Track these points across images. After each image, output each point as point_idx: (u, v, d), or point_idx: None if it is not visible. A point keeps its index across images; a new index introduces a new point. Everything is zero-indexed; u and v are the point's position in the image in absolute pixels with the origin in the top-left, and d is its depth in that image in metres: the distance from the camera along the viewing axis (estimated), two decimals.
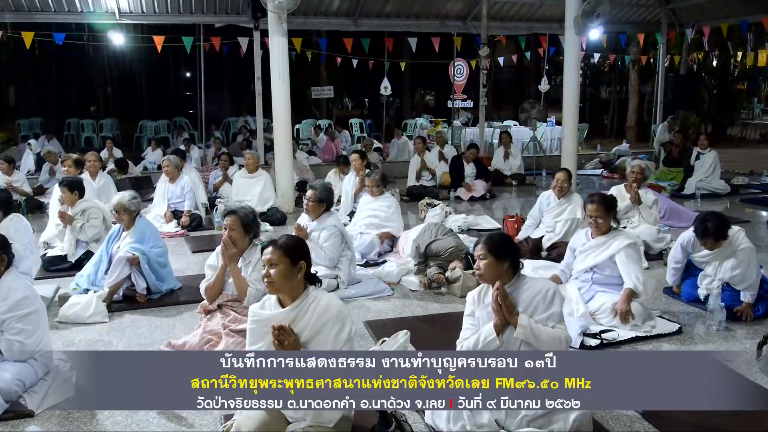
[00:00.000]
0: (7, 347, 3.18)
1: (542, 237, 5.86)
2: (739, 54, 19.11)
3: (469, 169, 9.35)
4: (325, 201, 5.00)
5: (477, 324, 2.93)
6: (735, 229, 4.29)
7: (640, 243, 5.78)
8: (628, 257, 4.07)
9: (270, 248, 2.69)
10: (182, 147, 10.97)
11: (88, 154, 7.45)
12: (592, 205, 4.18)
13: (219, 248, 3.84)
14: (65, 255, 5.63)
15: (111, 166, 10.00)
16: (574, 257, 4.38)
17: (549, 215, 5.91)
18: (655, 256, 5.77)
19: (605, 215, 4.14)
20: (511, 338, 2.77)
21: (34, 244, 5.12)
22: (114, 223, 5.19)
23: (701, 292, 4.39)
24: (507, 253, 2.88)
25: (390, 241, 6.11)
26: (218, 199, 8.22)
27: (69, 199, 5.63)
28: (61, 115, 19.17)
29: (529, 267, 5.37)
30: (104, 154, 11.77)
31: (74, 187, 5.66)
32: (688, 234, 4.44)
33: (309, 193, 5.00)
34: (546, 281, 2.99)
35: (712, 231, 4.18)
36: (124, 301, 4.73)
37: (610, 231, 4.18)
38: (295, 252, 2.67)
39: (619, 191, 6.12)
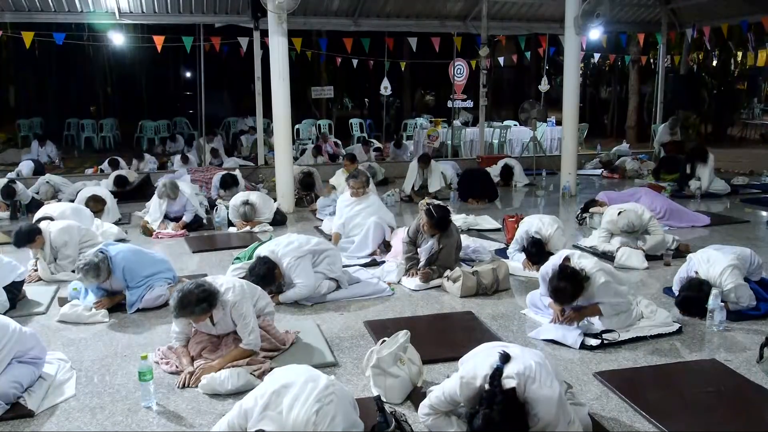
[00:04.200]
0: None
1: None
2: (740, 54, 19.11)
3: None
4: (268, 279, 4.50)
5: None
6: (717, 273, 4.23)
7: (641, 245, 5.79)
8: (601, 296, 3.95)
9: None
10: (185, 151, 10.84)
11: (91, 204, 7.19)
12: (558, 306, 4.02)
13: None
14: None
15: (111, 175, 9.82)
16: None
17: None
18: (655, 256, 5.77)
19: (572, 301, 3.93)
20: None
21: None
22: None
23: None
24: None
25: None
26: (218, 200, 8.23)
27: (38, 245, 5.33)
28: (61, 115, 19.19)
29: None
30: (106, 165, 11.58)
31: (35, 235, 5.31)
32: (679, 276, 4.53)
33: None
34: (546, 407, 2.45)
35: (696, 312, 4.23)
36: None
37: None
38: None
39: (615, 224, 5.91)
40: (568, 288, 3.82)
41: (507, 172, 10.38)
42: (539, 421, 2.44)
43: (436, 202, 5.39)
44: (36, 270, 5.43)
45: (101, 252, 4.51)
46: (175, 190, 7.21)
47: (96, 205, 7.31)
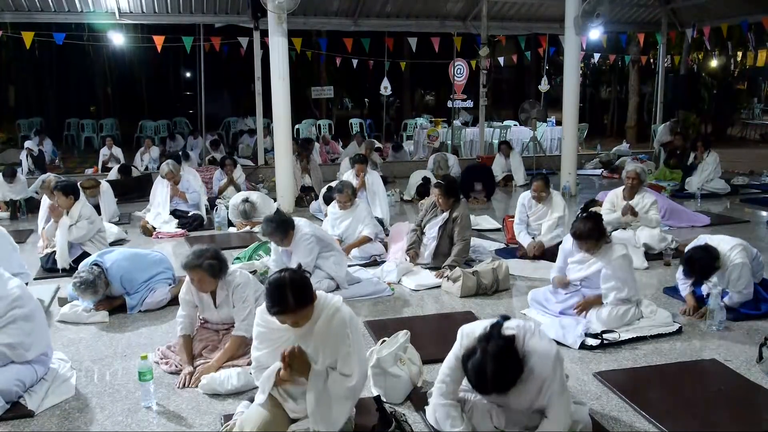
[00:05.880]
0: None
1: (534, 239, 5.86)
2: (739, 54, 19.12)
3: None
4: (283, 228, 4.67)
5: None
6: (726, 248, 4.24)
7: (640, 244, 5.80)
8: (615, 270, 3.99)
9: (290, 313, 2.52)
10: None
11: (84, 181, 7.26)
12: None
13: (188, 280, 3.58)
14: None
15: (114, 167, 9.98)
16: (566, 262, 4.31)
17: (532, 218, 5.93)
18: (655, 256, 5.77)
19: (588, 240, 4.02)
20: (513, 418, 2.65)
21: (14, 247, 5.11)
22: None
23: (704, 289, 4.40)
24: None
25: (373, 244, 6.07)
26: (218, 200, 8.22)
27: (65, 204, 5.48)
28: (61, 115, 19.19)
29: (530, 267, 5.44)
30: (105, 151, 11.96)
31: (69, 191, 5.51)
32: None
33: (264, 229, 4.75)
34: (544, 360, 2.47)
35: (698, 271, 4.20)
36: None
37: (601, 248, 4.04)
38: (308, 293, 2.57)
39: (616, 195, 6.09)
40: (588, 225, 3.94)
41: (505, 145, 10.82)
42: (535, 376, 2.43)
43: None
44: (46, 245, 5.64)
45: (96, 265, 4.45)
46: (177, 167, 7.44)
47: (89, 182, 7.37)
